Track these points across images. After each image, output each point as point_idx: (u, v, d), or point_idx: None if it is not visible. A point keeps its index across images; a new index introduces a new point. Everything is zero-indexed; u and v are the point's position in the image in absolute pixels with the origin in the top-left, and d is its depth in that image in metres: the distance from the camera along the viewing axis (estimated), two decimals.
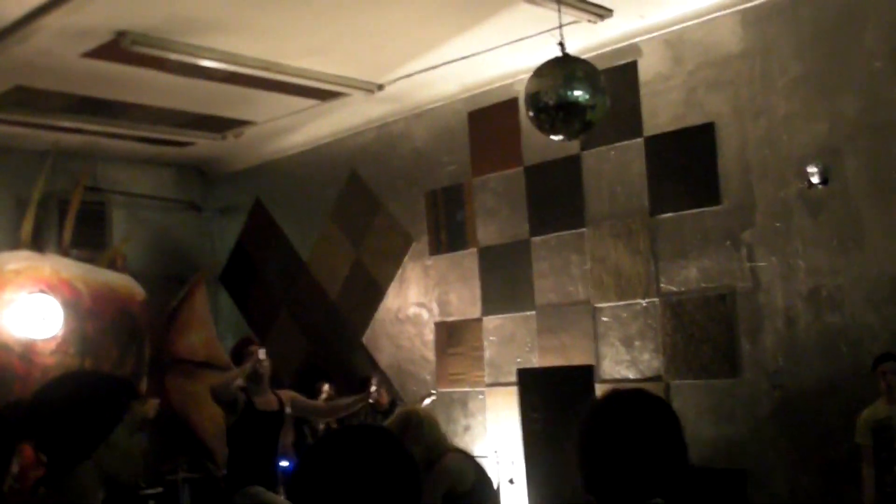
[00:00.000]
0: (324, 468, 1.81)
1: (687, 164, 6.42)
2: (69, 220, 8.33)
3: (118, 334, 7.91)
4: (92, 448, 2.35)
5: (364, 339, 8.62)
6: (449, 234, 7.94)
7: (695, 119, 6.38)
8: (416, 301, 8.21)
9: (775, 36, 6.02)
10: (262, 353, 6.02)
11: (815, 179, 5.73)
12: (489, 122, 7.67)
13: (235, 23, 6.18)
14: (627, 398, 2.19)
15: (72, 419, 2.37)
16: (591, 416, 2.17)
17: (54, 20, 5.79)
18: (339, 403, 6.75)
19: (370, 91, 7.57)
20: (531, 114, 5.00)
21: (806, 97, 5.88)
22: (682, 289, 6.41)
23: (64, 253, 8.13)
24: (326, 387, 8.10)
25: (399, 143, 8.43)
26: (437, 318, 8.02)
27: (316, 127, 8.77)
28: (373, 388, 6.85)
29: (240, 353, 6.27)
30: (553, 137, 5.15)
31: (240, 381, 6.01)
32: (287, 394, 6.39)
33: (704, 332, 6.30)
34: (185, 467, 8.30)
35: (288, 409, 6.26)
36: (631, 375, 6.64)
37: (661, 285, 6.51)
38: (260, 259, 9.89)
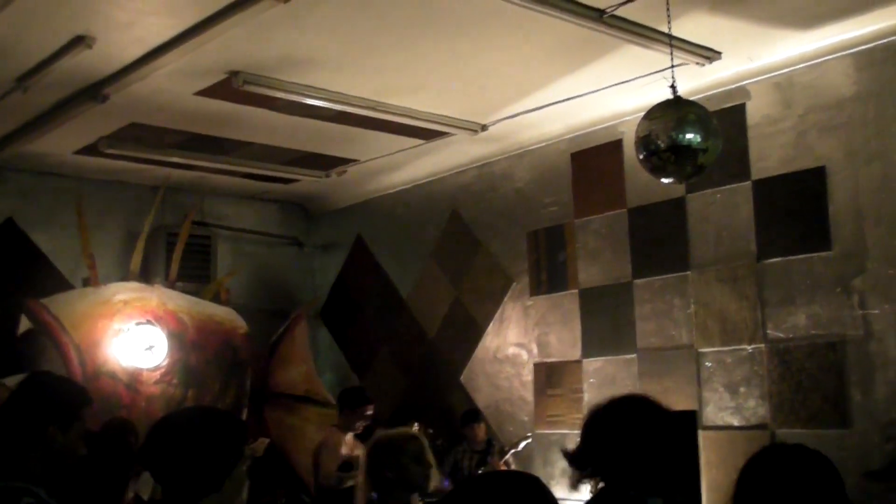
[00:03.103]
0: None
1: (796, 209, 6.29)
2: (177, 253, 8.53)
3: (220, 366, 8.06)
4: (220, 482, 2.39)
5: (462, 379, 8.60)
6: (550, 275, 7.91)
7: (805, 163, 6.26)
8: (516, 341, 8.17)
9: (890, 79, 5.88)
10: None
11: None
12: (592, 163, 7.63)
13: (344, 63, 6.27)
14: (786, 452, 2.12)
15: (203, 453, 2.41)
16: (748, 470, 2.10)
17: (171, 60, 5.94)
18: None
19: (474, 131, 7.62)
20: (642, 156, 4.95)
21: None
22: (790, 335, 6.26)
23: (170, 285, 8.33)
24: (416, 426, 8.07)
25: (501, 183, 8.44)
26: (537, 359, 7.97)
27: (418, 166, 8.85)
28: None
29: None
30: (664, 181, 5.10)
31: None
32: None
33: (813, 381, 6.13)
34: (284, 501, 8.36)
35: None
36: (735, 423, 6.50)
37: (768, 331, 6.37)
38: (360, 296, 9.96)
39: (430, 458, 4.22)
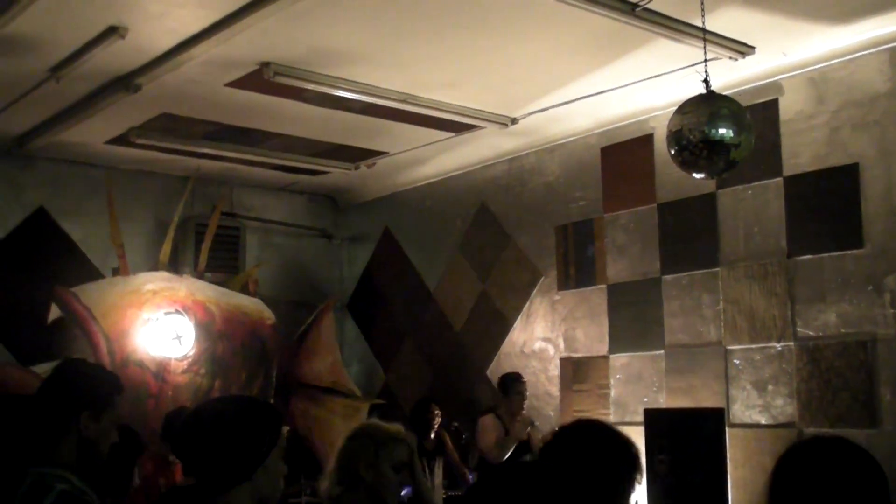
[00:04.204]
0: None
1: (828, 206, 6.23)
2: (206, 244, 8.56)
3: (247, 356, 8.07)
4: (251, 471, 2.40)
5: (488, 372, 8.60)
6: (578, 270, 7.88)
7: (838, 159, 6.20)
8: (543, 336, 8.16)
9: None
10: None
11: None
12: (623, 157, 7.60)
13: (374, 55, 6.28)
14: (825, 446, 2.01)
15: (234, 442, 2.42)
16: (785, 462, 1.99)
17: (202, 50, 5.97)
18: None
19: (504, 124, 7.60)
20: (673, 151, 4.91)
21: None
22: (820, 333, 6.21)
23: (199, 275, 8.35)
24: (438, 414, 8.03)
25: (530, 177, 8.42)
26: (563, 354, 7.95)
27: (447, 159, 8.84)
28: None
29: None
30: (695, 176, 5.06)
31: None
32: None
33: (842, 380, 6.08)
34: (308, 491, 8.38)
35: None
36: (763, 421, 6.46)
37: (798, 329, 6.32)
38: (387, 288, 9.98)
39: (418, 471, 3.83)
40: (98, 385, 3.18)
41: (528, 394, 7.64)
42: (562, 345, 7.97)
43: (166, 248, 8.19)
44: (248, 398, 3.14)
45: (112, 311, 7.48)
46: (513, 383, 7.61)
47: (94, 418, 3.07)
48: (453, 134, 8.02)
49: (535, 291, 8.23)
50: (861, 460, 1.99)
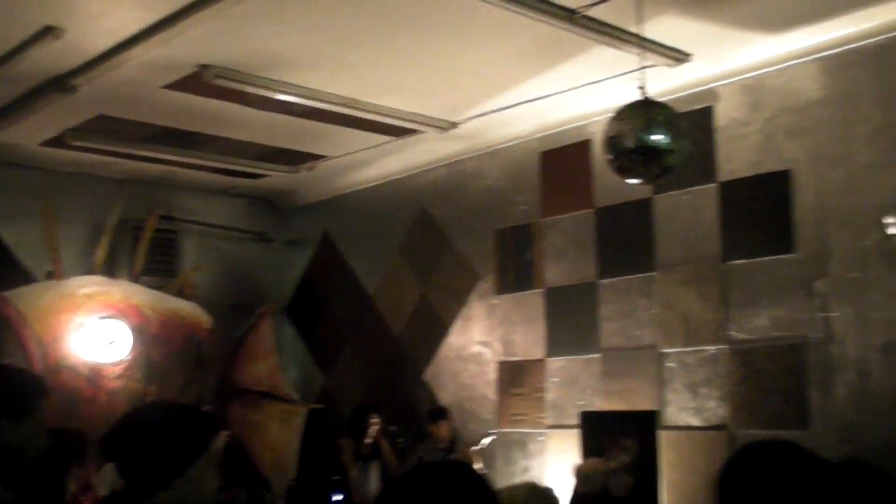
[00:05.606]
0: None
1: (762, 211, 6.36)
2: (142, 248, 8.47)
3: (184, 361, 8.01)
4: (170, 479, 2.36)
5: (426, 376, 8.62)
6: (516, 274, 7.94)
7: (771, 166, 6.33)
8: (480, 339, 8.20)
9: (857, 84, 5.96)
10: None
11: (893, 231, 5.64)
12: (561, 162, 7.68)
13: (316, 59, 6.27)
14: (766, 450, 1.91)
15: (156, 448, 2.39)
16: (728, 469, 1.89)
17: (141, 52, 5.90)
18: None
19: (444, 129, 7.64)
20: (610, 157, 4.98)
21: (887, 147, 5.78)
22: (752, 337, 6.33)
23: (135, 279, 8.27)
24: (376, 419, 8.01)
25: (470, 182, 8.46)
26: (501, 358, 8.00)
27: (387, 162, 8.85)
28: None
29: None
30: (631, 181, 5.13)
31: None
32: None
33: (773, 382, 6.20)
34: (244, 498, 8.32)
35: None
36: (696, 423, 6.56)
37: (731, 332, 6.43)
38: (326, 292, 9.95)
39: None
40: (17, 389, 3.08)
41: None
42: (499, 348, 8.01)
43: (101, 252, 8.09)
44: (180, 405, 3.07)
45: (45, 316, 7.37)
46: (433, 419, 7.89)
47: (14, 423, 2.98)
48: (394, 138, 8.03)
49: (473, 295, 8.27)
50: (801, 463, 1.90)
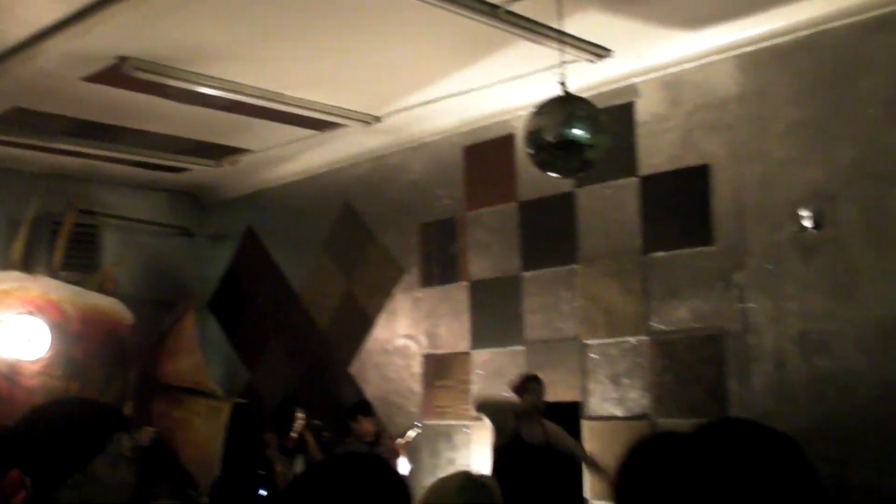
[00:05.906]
0: (314, 498, 1.80)
1: (681, 205, 6.46)
2: (61, 242, 8.33)
3: (105, 358, 7.89)
4: (66, 476, 2.31)
5: (351, 370, 8.61)
6: (441, 267, 7.96)
7: (690, 160, 6.44)
8: (405, 333, 8.22)
9: (773, 81, 6.09)
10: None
11: (808, 224, 5.78)
12: (485, 157, 7.72)
13: (237, 52, 6.22)
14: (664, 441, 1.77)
15: (51, 445, 2.34)
16: (627, 464, 1.78)
17: (58, 43, 5.80)
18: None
19: (368, 123, 7.62)
20: (531, 151, 5.02)
21: (802, 142, 5.93)
22: (673, 328, 6.44)
23: (53, 275, 8.12)
24: (300, 413, 7.95)
25: (395, 176, 8.47)
26: (426, 351, 8.02)
27: (311, 157, 8.81)
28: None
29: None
30: (552, 175, 5.19)
31: None
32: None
33: (693, 372, 6.32)
34: (168, 495, 8.23)
35: None
36: (618, 413, 6.65)
37: (652, 324, 6.54)
38: (250, 287, 9.88)
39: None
40: None
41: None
42: (424, 341, 8.04)
43: (18, 247, 7.94)
44: (84, 401, 2.99)
45: None
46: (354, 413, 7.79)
47: None
48: (318, 132, 7.99)
49: (397, 289, 8.28)
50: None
